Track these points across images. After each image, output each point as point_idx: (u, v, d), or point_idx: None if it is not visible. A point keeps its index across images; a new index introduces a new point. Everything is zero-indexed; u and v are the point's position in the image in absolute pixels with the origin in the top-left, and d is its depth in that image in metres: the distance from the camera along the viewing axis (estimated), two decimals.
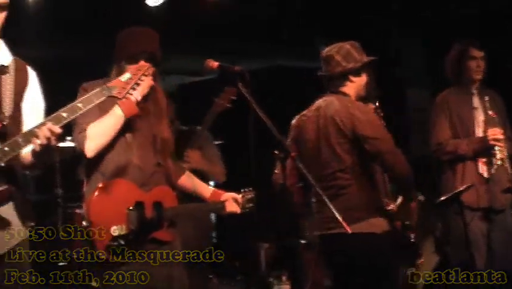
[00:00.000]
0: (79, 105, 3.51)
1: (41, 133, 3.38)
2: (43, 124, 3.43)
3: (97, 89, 3.59)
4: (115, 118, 4.14)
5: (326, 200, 4.01)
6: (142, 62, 4.18)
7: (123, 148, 4.26)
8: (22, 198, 3.64)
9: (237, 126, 5.02)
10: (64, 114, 3.47)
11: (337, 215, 3.96)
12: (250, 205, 4.78)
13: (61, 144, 6.92)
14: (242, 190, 4.78)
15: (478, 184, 5.72)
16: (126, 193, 4.24)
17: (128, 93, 3.67)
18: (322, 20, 8.73)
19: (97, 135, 4.16)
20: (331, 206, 3.96)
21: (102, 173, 4.27)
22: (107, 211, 4.16)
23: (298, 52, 9.58)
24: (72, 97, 3.67)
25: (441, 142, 5.83)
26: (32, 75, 3.80)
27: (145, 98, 4.23)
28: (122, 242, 4.13)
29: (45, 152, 3.49)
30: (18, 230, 3.62)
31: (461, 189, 5.56)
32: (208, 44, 8.17)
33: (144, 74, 3.75)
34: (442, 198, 5.61)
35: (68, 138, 6.95)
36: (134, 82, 3.70)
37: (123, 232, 4.15)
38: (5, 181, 3.54)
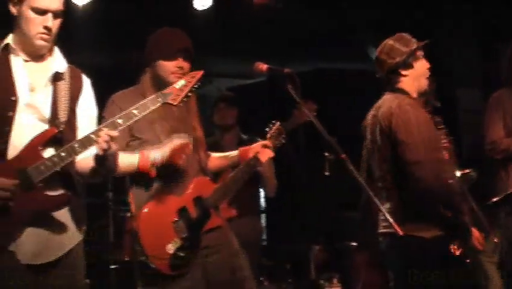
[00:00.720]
0: (135, 111, 3.55)
1: (100, 138, 3.42)
2: (99, 130, 3.48)
3: (153, 96, 3.64)
4: (129, 164, 4.20)
5: (377, 201, 3.99)
6: (183, 63, 4.33)
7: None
8: (77, 203, 3.67)
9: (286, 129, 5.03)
10: (120, 121, 3.52)
11: (388, 216, 3.94)
12: (281, 137, 4.76)
13: None
14: (267, 130, 4.76)
15: None
16: (165, 209, 4.28)
17: (182, 99, 3.69)
18: (370, 20, 8.69)
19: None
20: (382, 209, 3.95)
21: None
22: (155, 235, 4.21)
23: (343, 54, 9.55)
24: None
25: (495, 140, 5.75)
26: (87, 82, 3.85)
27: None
28: (182, 254, 4.21)
29: (107, 158, 3.54)
30: (73, 234, 3.66)
31: None
32: (257, 47, 8.18)
33: (198, 81, 3.77)
34: (494, 200, 5.54)
35: None
36: (189, 88, 3.73)
37: (178, 245, 4.22)
38: (61, 186, 3.58)
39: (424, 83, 4.63)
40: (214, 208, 4.43)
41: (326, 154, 5.09)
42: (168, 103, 3.66)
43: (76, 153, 3.49)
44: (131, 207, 4.35)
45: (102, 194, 7.24)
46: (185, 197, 4.34)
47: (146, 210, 4.23)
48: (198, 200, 4.37)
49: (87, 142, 3.48)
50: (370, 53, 9.23)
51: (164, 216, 4.25)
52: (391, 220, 3.96)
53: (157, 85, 4.34)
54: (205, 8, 7.56)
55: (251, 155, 4.62)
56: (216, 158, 4.74)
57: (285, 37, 8.61)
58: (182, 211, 4.30)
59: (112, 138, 3.44)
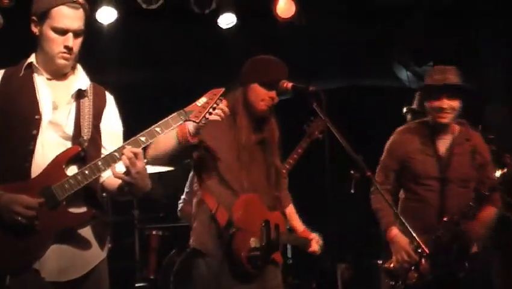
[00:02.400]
0: (157, 129, 3.54)
1: (124, 156, 3.42)
2: (122, 148, 3.47)
3: (175, 114, 3.62)
4: (168, 141, 4.19)
5: (403, 220, 4.00)
6: (275, 96, 4.42)
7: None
8: (101, 220, 3.67)
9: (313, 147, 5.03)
10: (143, 138, 3.51)
11: (414, 235, 3.94)
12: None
13: None
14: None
15: None
16: (259, 208, 4.42)
17: (204, 117, 3.68)
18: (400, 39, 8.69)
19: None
20: (408, 227, 3.95)
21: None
22: (247, 220, 4.32)
23: (373, 71, 9.53)
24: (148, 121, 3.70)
25: None
26: (110, 99, 3.85)
27: (261, 128, 4.47)
28: (258, 253, 4.31)
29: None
30: (97, 251, 3.66)
31: None
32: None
33: (219, 99, 3.75)
34: None
35: (145, 160, 7.03)
36: (211, 106, 3.71)
37: (258, 245, 4.33)
38: (85, 203, 3.59)
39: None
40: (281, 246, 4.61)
41: (352, 172, 5.07)
42: (189, 120, 3.65)
43: (100, 171, 3.49)
44: (209, 204, 4.37)
45: (128, 211, 7.25)
46: (271, 215, 4.47)
47: (245, 197, 4.35)
48: (277, 228, 4.46)
49: (110, 160, 3.48)
50: (396, 71, 9.22)
51: (256, 212, 4.39)
52: (417, 239, 3.96)
53: (245, 106, 4.44)
54: (230, 26, 7.57)
55: (309, 238, 5.11)
56: (291, 212, 5.16)
57: (312, 54, 8.60)
58: (267, 224, 4.40)
59: (136, 156, 3.43)
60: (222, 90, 3.83)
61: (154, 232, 7.60)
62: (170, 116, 3.61)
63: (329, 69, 9.11)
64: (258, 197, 4.41)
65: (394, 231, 4.82)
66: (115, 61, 7.68)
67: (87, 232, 3.61)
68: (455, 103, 4.75)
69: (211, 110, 3.72)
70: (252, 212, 4.35)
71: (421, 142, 4.88)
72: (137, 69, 8.70)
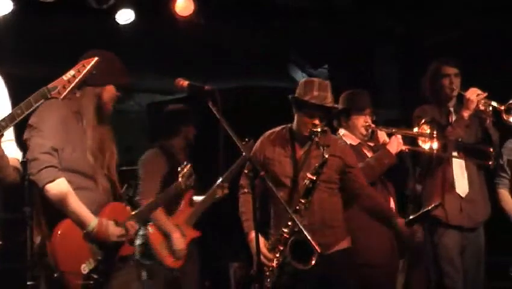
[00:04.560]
0: (18, 111, 3.39)
1: None
2: None
3: (37, 92, 3.46)
4: (82, 221, 4.10)
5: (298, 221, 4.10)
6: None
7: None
8: None
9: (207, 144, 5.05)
10: (3, 123, 3.38)
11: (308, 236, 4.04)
12: (192, 178, 5.07)
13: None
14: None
15: None
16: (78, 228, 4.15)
17: (69, 92, 3.49)
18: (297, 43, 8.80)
19: (61, 198, 4.09)
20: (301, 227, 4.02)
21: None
22: (71, 253, 4.08)
23: (269, 72, 9.62)
24: None
25: None
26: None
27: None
28: (95, 276, 4.10)
29: None
30: None
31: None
32: (179, 63, 8.16)
33: (90, 71, 3.54)
34: (411, 218, 5.67)
35: None
36: (77, 80, 3.51)
37: (92, 266, 4.11)
38: None
39: None
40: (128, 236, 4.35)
41: (245, 171, 5.11)
42: (53, 97, 3.46)
43: None
44: (41, 226, 4.22)
45: (19, 209, 7.09)
46: (102, 213, 4.22)
47: (60, 230, 4.09)
48: (113, 224, 4.23)
49: None
50: (291, 73, 9.34)
51: (80, 236, 4.12)
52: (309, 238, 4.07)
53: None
54: (128, 22, 7.51)
55: None
56: None
57: (209, 53, 8.62)
58: (90, 235, 4.15)
59: None
60: (94, 59, 3.61)
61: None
62: (32, 95, 3.44)
63: (225, 69, 9.15)
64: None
65: (251, 236, 4.85)
66: (10, 54, 7.53)
67: None
68: (324, 122, 4.93)
69: (78, 83, 3.51)
70: (74, 237, 4.12)
71: (282, 145, 5.00)
72: (33, 63, 8.54)
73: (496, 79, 6.74)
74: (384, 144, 5.61)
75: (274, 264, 4.75)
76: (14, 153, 3.76)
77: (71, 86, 3.47)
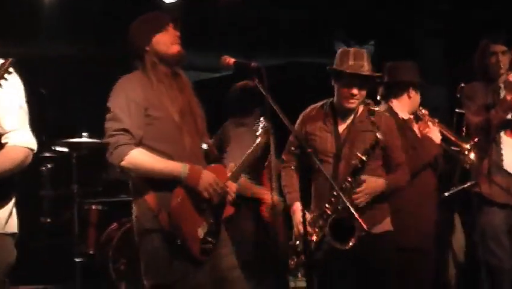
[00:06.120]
0: None
1: None
2: None
3: None
4: (171, 172, 4.12)
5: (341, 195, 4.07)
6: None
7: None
8: None
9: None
10: None
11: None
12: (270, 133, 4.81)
13: (78, 140, 6.94)
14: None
15: None
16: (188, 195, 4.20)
17: None
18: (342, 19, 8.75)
19: (139, 167, 4.12)
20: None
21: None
22: (188, 219, 4.15)
23: (314, 49, 9.58)
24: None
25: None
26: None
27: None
28: (210, 238, 4.20)
29: None
30: None
31: None
32: (225, 40, 8.18)
33: (7, 72, 3.47)
34: (446, 194, 5.66)
35: (85, 134, 6.98)
36: None
37: (206, 229, 4.19)
38: None
39: None
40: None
41: (292, 148, 5.08)
42: None
43: None
44: (150, 205, 4.17)
45: (67, 186, 7.19)
46: (210, 169, 4.27)
47: (174, 200, 4.12)
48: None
49: None
50: (337, 49, 9.29)
51: (191, 202, 4.18)
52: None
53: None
54: (173, 0, 7.55)
55: None
56: None
57: (254, 30, 8.62)
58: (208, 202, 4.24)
59: None
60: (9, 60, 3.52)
61: (93, 207, 7.56)
62: None
63: (270, 46, 9.14)
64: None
65: (295, 207, 4.86)
66: (55, 33, 7.60)
67: None
68: (364, 92, 4.83)
69: None
70: (187, 204, 4.18)
71: (323, 120, 4.94)
72: (76, 42, 8.62)
73: None
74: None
75: (314, 238, 4.73)
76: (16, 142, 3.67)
77: None
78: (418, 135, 5.59)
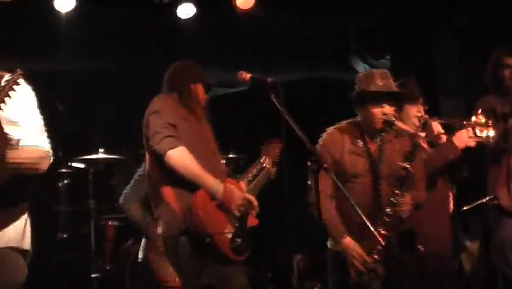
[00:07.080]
0: None
1: None
2: None
3: None
4: (204, 182, 4.40)
5: (361, 213, 4.05)
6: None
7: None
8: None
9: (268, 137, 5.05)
10: None
11: (372, 229, 4.09)
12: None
13: (95, 156, 6.97)
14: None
15: None
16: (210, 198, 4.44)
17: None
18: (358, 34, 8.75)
19: (182, 162, 4.39)
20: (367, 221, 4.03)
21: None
22: (213, 219, 4.39)
23: (331, 64, 9.58)
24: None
25: None
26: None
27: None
28: (239, 239, 4.45)
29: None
30: None
31: None
32: (241, 56, 8.18)
33: (16, 83, 3.47)
34: (465, 208, 5.63)
35: (101, 150, 7.01)
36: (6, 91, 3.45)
37: (233, 230, 4.44)
38: None
39: None
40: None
41: (309, 163, 5.07)
42: None
43: None
44: (172, 207, 4.41)
45: (84, 201, 7.21)
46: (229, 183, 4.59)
47: (198, 199, 4.36)
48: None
49: None
50: (353, 64, 9.28)
51: (215, 207, 4.44)
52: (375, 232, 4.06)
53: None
54: (189, 16, 7.57)
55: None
56: None
57: (270, 46, 8.62)
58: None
59: None
60: (19, 72, 3.53)
61: (110, 223, 7.56)
62: None
63: (286, 62, 9.14)
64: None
65: (346, 241, 4.77)
66: (73, 49, 7.63)
67: None
68: (393, 109, 4.84)
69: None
70: (210, 205, 4.42)
71: (352, 142, 4.93)
72: (95, 58, 8.65)
73: None
74: (445, 136, 5.53)
75: (378, 266, 4.69)
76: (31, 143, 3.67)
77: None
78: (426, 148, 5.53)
